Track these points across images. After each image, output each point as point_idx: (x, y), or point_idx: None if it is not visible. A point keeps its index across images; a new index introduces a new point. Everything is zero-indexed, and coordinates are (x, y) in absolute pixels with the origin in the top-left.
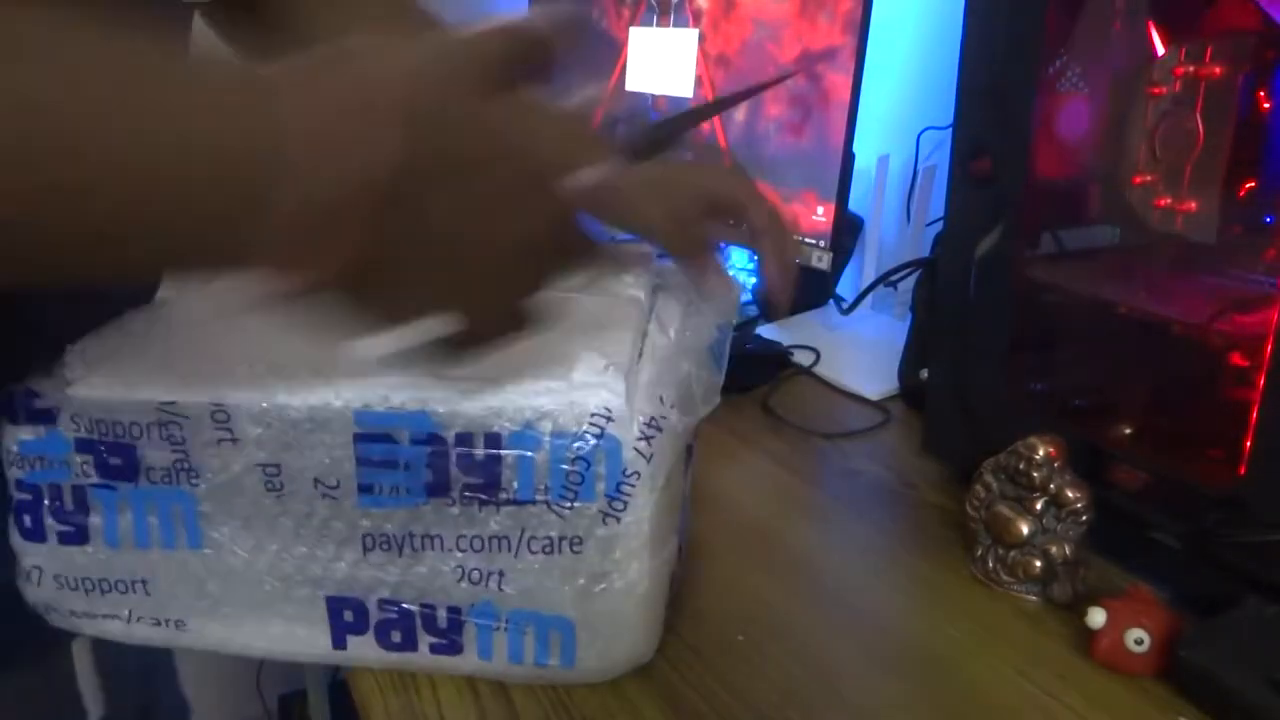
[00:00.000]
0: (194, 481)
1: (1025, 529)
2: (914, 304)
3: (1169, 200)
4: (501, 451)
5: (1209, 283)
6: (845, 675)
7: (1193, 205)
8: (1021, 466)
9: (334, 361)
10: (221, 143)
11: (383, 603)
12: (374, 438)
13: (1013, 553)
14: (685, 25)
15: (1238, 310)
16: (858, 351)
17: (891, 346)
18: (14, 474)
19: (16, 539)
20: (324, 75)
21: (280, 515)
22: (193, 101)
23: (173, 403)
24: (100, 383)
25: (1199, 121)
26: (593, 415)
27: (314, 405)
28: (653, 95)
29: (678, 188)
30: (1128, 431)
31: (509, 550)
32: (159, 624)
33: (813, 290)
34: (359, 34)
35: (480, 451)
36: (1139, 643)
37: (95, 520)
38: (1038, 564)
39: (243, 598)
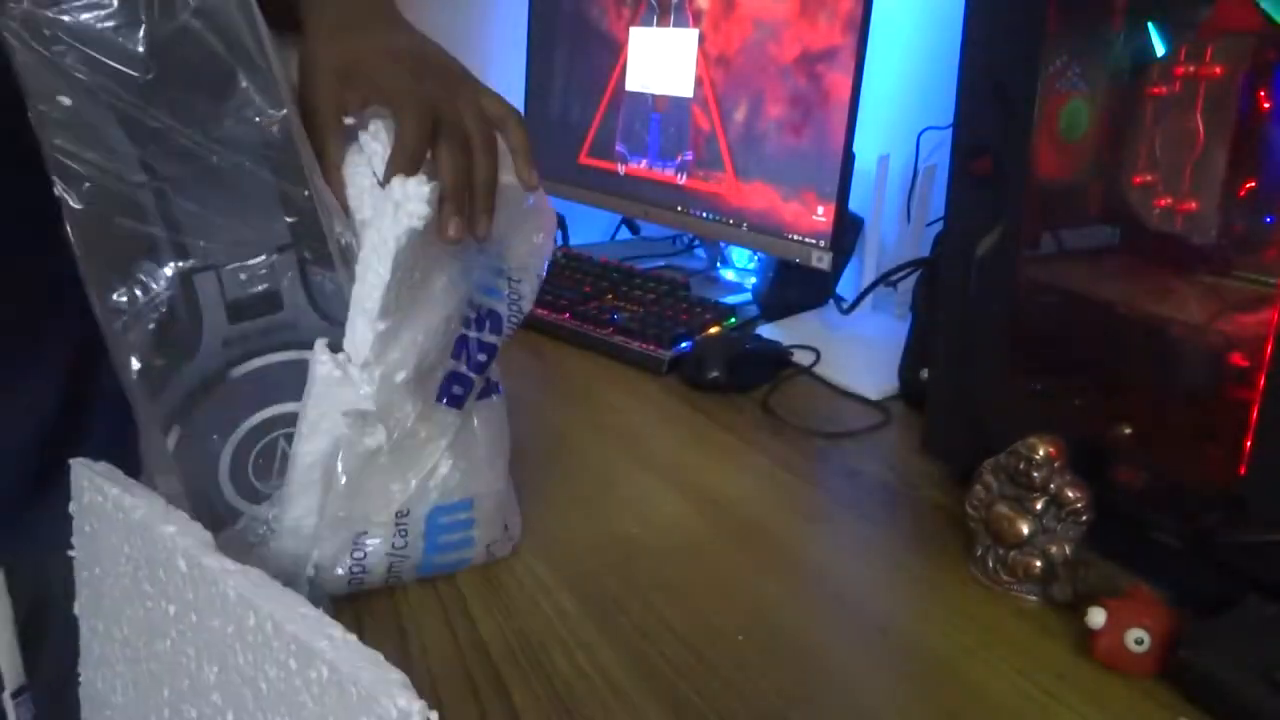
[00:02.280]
0: None
1: (1025, 529)
2: (914, 304)
3: (1169, 200)
4: None
5: (1209, 283)
6: (845, 675)
7: (1193, 205)
8: (1021, 466)
9: None
10: None
11: None
12: None
13: (1013, 553)
14: (685, 25)
15: (1238, 310)
16: (858, 351)
17: (891, 346)
18: None
19: None
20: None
21: None
22: None
23: None
24: None
25: (1199, 121)
26: None
27: None
28: (653, 95)
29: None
30: (1128, 431)
31: None
32: None
33: (813, 290)
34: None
35: None
36: (1139, 643)
37: None
38: (1038, 564)
39: None
